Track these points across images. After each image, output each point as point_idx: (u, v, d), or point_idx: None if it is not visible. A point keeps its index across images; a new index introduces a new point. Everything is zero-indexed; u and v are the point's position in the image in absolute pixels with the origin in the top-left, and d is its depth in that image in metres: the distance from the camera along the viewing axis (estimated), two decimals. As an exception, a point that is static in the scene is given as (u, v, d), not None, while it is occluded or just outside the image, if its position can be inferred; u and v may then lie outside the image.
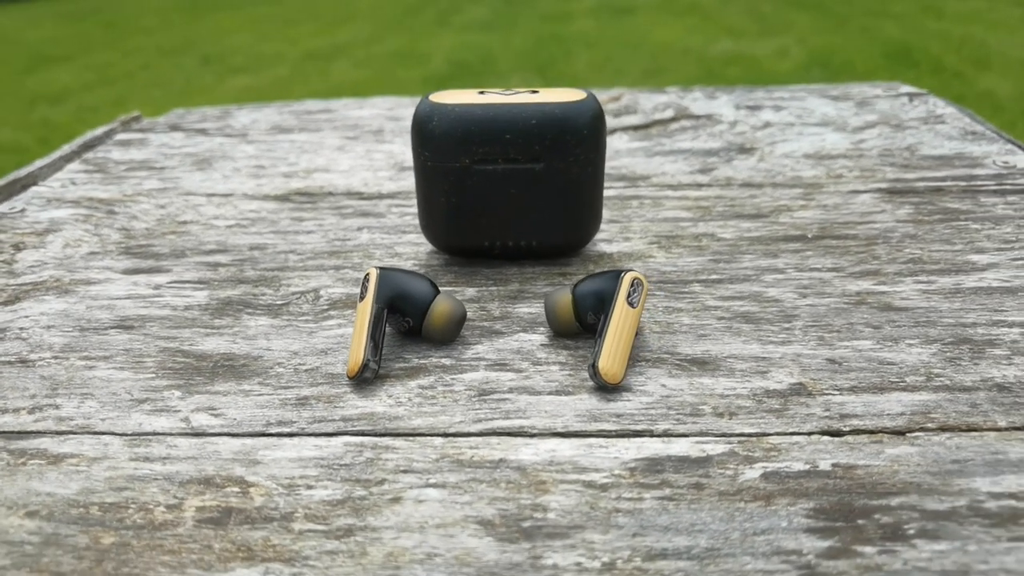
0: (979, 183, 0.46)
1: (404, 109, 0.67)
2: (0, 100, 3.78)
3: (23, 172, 0.56)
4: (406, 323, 0.32)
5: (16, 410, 0.29)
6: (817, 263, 0.38)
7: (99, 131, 0.65)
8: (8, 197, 0.52)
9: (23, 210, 0.49)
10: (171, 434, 0.28)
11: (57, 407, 0.30)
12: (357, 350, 0.30)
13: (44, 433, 0.28)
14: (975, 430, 0.26)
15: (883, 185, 0.46)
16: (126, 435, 0.28)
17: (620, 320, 0.30)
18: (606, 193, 0.47)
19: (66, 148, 0.61)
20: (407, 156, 0.56)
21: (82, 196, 0.51)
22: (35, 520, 0.24)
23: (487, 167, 0.36)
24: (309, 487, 0.25)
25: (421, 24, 4.71)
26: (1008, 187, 0.45)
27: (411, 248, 0.42)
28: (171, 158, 0.57)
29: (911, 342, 0.31)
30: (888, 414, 0.27)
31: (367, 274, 0.32)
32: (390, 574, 0.22)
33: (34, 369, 0.32)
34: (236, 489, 0.25)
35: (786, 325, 0.33)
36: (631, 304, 0.30)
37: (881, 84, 0.65)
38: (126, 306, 0.37)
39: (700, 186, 0.47)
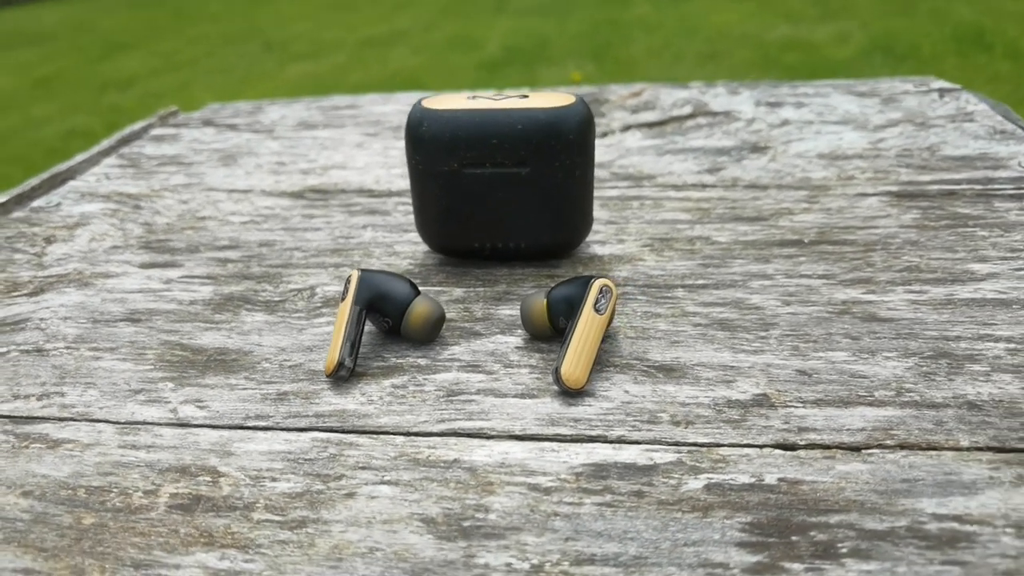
0: (996, 187, 0.44)
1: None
2: (74, 87, 3.96)
3: (64, 166, 0.59)
4: (386, 323, 0.33)
5: (27, 396, 0.32)
6: (808, 269, 0.37)
7: (138, 126, 0.68)
8: (48, 191, 0.56)
9: (59, 204, 0.52)
10: (159, 424, 0.30)
11: (63, 395, 0.32)
12: (334, 350, 0.31)
13: (48, 419, 0.30)
14: (934, 449, 0.26)
15: (893, 188, 0.45)
16: (119, 423, 0.30)
17: (586, 326, 0.30)
18: (608, 193, 0.47)
19: (105, 143, 0.64)
20: (422, 153, 0.57)
21: (113, 191, 0.54)
22: (29, 500, 0.26)
23: (475, 171, 0.37)
24: (274, 479, 0.26)
25: (477, 10, 4.71)
26: (1026, 191, 0.43)
27: (410, 247, 0.43)
28: (200, 153, 0.60)
29: (888, 355, 0.31)
30: (848, 429, 0.27)
31: (350, 275, 0.34)
32: (332, 566, 0.23)
33: (47, 358, 0.35)
34: (208, 478, 0.27)
35: (762, 334, 0.33)
36: (598, 311, 0.31)
37: (914, 79, 0.63)
38: (137, 300, 0.39)
39: (704, 187, 0.47)
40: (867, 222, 0.41)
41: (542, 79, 2.99)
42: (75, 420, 0.30)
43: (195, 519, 0.25)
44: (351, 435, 0.28)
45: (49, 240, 0.47)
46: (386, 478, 0.26)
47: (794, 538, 0.23)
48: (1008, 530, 0.22)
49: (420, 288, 0.38)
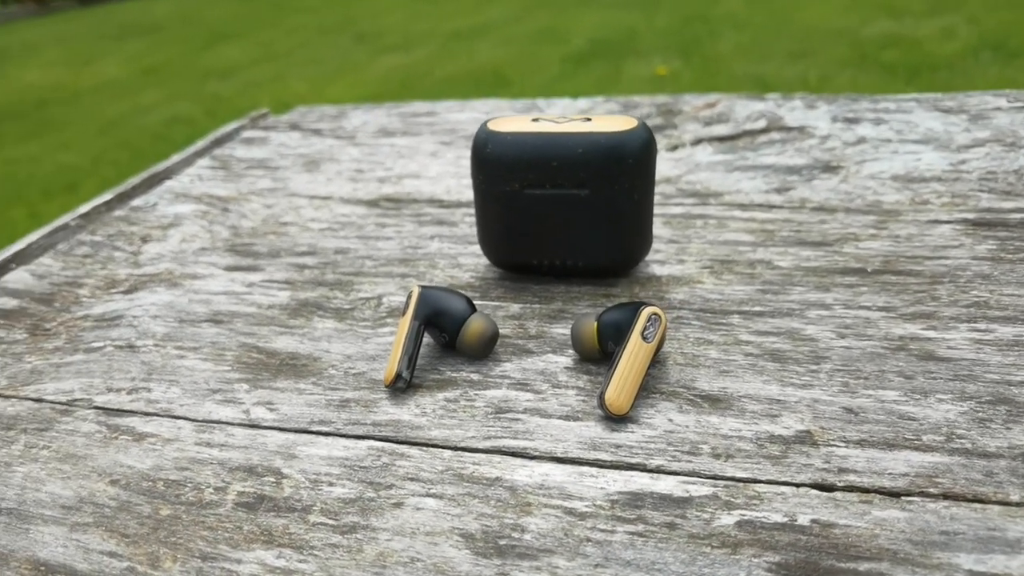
0: (1086, 218, 0.42)
1: (502, 113, 0.69)
2: (179, 75, 4.19)
3: (162, 167, 0.64)
4: (443, 337, 0.35)
5: (118, 390, 0.35)
6: (868, 301, 0.37)
7: (230, 127, 0.72)
8: (147, 190, 0.60)
9: (155, 204, 0.56)
10: (232, 423, 0.32)
11: (149, 390, 0.35)
12: (392, 362, 0.33)
13: (135, 413, 0.34)
14: (980, 501, 0.25)
15: (970, 215, 0.43)
16: (196, 421, 0.33)
17: (632, 354, 0.31)
18: (672, 210, 0.48)
19: (200, 144, 0.69)
20: (492, 163, 0.58)
21: (204, 192, 0.58)
22: (116, 488, 0.29)
23: (536, 191, 0.38)
24: (331, 484, 0.29)
25: (566, 2, 4.70)
26: (1119, 225, 0.41)
27: (472, 260, 0.44)
28: (285, 158, 0.64)
29: (942, 397, 0.30)
30: (890, 473, 0.27)
31: (411, 291, 0.35)
32: (376, 572, 0.25)
33: (138, 354, 0.38)
34: (272, 479, 0.29)
35: (813, 367, 0.32)
36: (645, 339, 0.31)
37: (1008, 93, 0.60)
38: (220, 301, 0.42)
39: (771, 207, 0.47)
40: (937, 251, 0.40)
41: (627, 73, 2.96)
42: (159, 416, 0.33)
43: (258, 517, 0.27)
44: (404, 446, 0.30)
45: (145, 239, 0.51)
46: (432, 491, 0.28)
47: (821, 582, 0.23)
48: (1048, 593, 0.22)
49: (478, 303, 0.40)
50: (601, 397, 0.30)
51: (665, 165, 0.54)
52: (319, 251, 0.47)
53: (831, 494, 0.26)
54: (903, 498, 0.26)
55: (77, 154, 3.15)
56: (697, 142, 0.57)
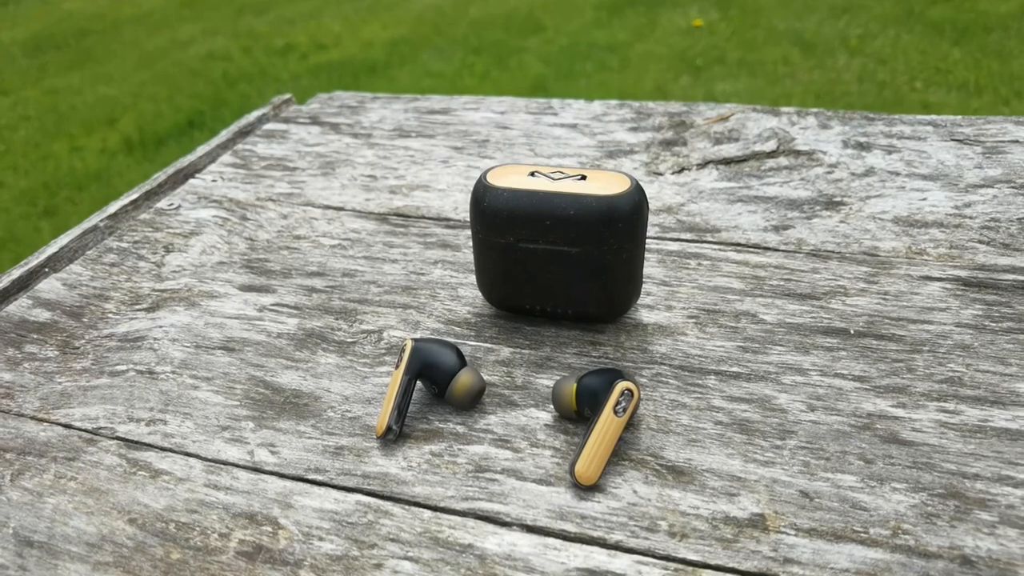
0: (1077, 283, 0.42)
1: (516, 115, 0.70)
2: (215, 7, 4.16)
3: (186, 161, 0.66)
4: (434, 389, 0.37)
5: (138, 420, 0.39)
6: (845, 368, 0.38)
7: (253, 116, 0.74)
8: (172, 187, 0.63)
9: (178, 207, 0.59)
10: (238, 465, 0.35)
11: (165, 423, 0.38)
12: (384, 415, 0.36)
13: (152, 447, 0.37)
14: (907, 602, 0.27)
15: (963, 272, 0.44)
16: (206, 460, 0.36)
17: (603, 427, 0.33)
18: (669, 247, 0.49)
19: (224, 135, 0.71)
20: (502, 176, 0.59)
21: (224, 195, 0.60)
22: (133, 527, 0.33)
23: (530, 245, 0.40)
24: (320, 539, 0.32)
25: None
26: (1109, 294, 0.41)
27: (471, 292, 0.46)
28: (303, 157, 0.65)
29: (897, 486, 0.32)
30: (832, 567, 0.29)
31: (404, 344, 0.38)
32: (354, 635, 0.28)
33: (156, 382, 0.41)
34: (269, 529, 0.32)
35: (778, 442, 0.34)
36: (616, 413, 0.33)
37: (1031, 122, 0.59)
38: (234, 327, 0.45)
39: (766, 249, 0.47)
40: (922, 314, 0.41)
41: (662, 23, 2.87)
42: (173, 452, 0.37)
43: (255, 568, 0.31)
44: (388, 502, 0.33)
45: (168, 248, 0.53)
46: (409, 554, 0.31)
47: (747, 677, 0.25)
48: None
49: (472, 343, 0.42)
50: (572, 467, 0.33)
51: (668, 191, 0.55)
52: (328, 272, 0.49)
53: (771, 585, 0.28)
54: (836, 595, 0.28)
55: (117, 87, 3.18)
56: (704, 164, 0.58)
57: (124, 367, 0.42)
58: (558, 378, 0.39)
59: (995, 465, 0.32)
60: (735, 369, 0.39)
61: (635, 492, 0.33)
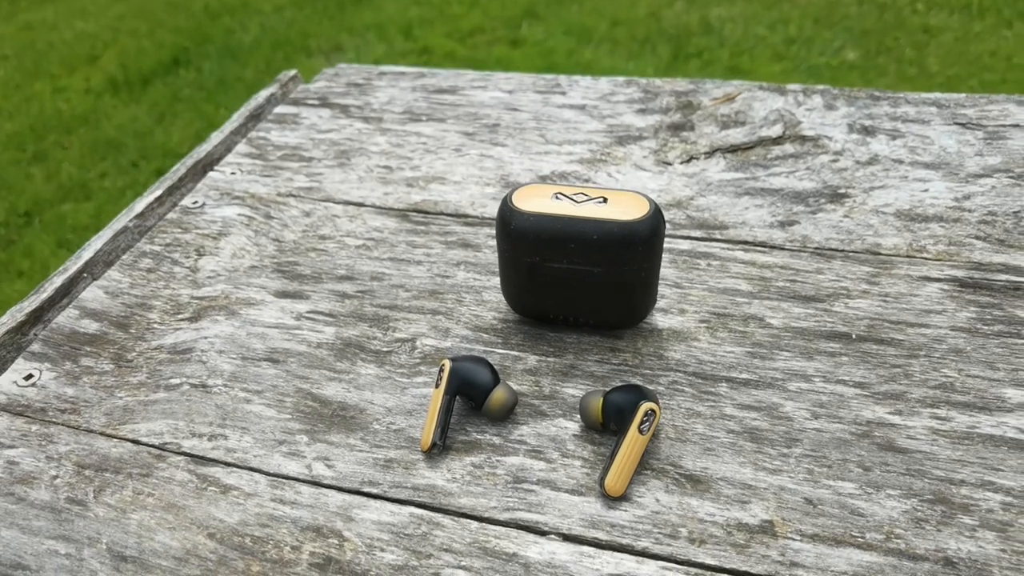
0: (1063, 282, 0.45)
1: (524, 95, 0.71)
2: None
3: (202, 152, 0.67)
4: (471, 404, 0.41)
5: (200, 435, 0.42)
6: (846, 374, 0.41)
7: (262, 97, 0.74)
8: (193, 180, 0.64)
9: (203, 205, 0.61)
10: (298, 480, 0.39)
11: (226, 437, 0.42)
12: (428, 432, 0.39)
13: (218, 462, 0.41)
14: (897, 601, 0.32)
15: (959, 273, 0.47)
16: (269, 475, 0.40)
17: (630, 445, 0.37)
18: (680, 245, 0.51)
19: (235, 119, 0.71)
20: (514, 166, 0.61)
21: (245, 190, 0.62)
22: (213, 541, 0.37)
23: (554, 265, 0.42)
24: (382, 550, 0.36)
25: None
26: (1091, 293, 0.44)
27: (494, 296, 0.49)
28: (318, 145, 0.66)
29: (892, 492, 0.36)
30: (832, 571, 0.33)
31: (442, 364, 0.41)
32: (420, 641, 0.32)
33: (211, 396, 0.44)
34: (335, 541, 0.36)
35: (785, 450, 0.38)
36: (641, 431, 0.37)
37: (1030, 102, 0.60)
38: (275, 336, 0.48)
39: (772, 248, 0.50)
40: (920, 317, 0.44)
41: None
42: (238, 467, 0.40)
43: (326, 579, 0.35)
44: (439, 514, 0.37)
45: (200, 252, 0.56)
46: (462, 563, 0.35)
47: (760, 673, 0.30)
48: None
49: (499, 350, 0.45)
50: (602, 481, 0.36)
51: (678, 183, 0.57)
52: (357, 275, 0.52)
53: (780, 588, 0.33)
54: (836, 596, 0.32)
55: (95, 21, 3.08)
56: (711, 153, 0.59)
57: (178, 380, 0.46)
58: (583, 389, 0.42)
59: (979, 471, 0.36)
60: (745, 376, 0.42)
61: (658, 501, 0.37)
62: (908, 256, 0.48)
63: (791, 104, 0.64)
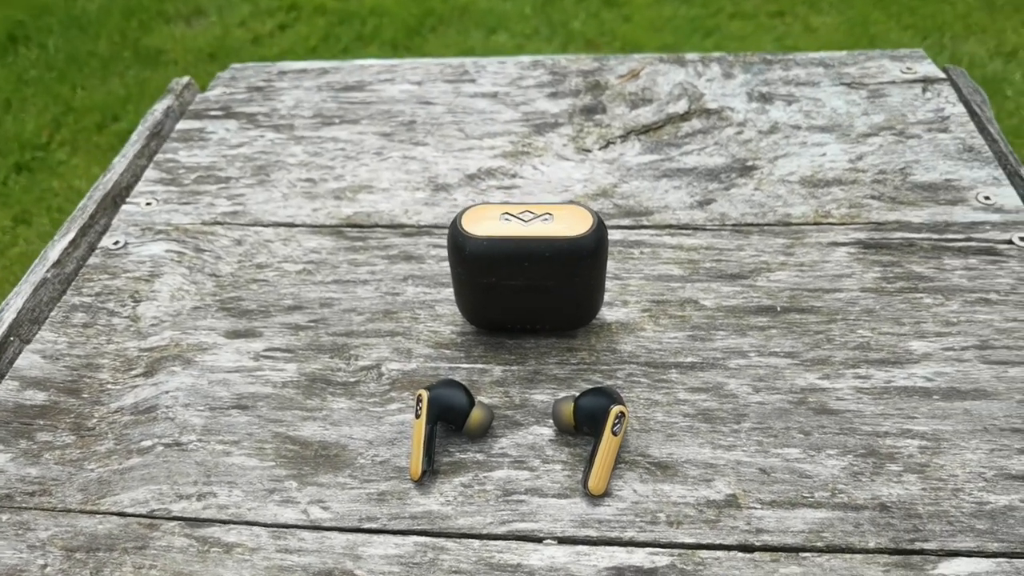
0: (950, 236, 0.52)
1: (433, 85, 0.70)
2: None
3: (108, 181, 0.64)
4: (451, 427, 0.43)
5: (188, 496, 0.43)
6: (777, 346, 0.47)
7: (158, 111, 0.71)
8: (106, 216, 0.61)
9: (125, 244, 0.58)
10: (299, 527, 0.41)
11: (215, 495, 0.43)
12: (416, 462, 0.42)
13: (213, 521, 0.41)
14: (850, 551, 0.37)
15: (862, 235, 0.52)
16: (268, 526, 0.41)
17: (605, 447, 0.40)
18: (614, 236, 0.54)
19: (135, 140, 0.68)
20: (439, 167, 0.62)
21: (166, 222, 0.60)
22: (226, 602, 0.38)
23: (510, 283, 0.45)
24: (394, 582, 0.38)
25: None
26: (974, 244, 0.51)
27: (448, 309, 0.51)
28: (232, 163, 0.65)
29: (830, 452, 0.41)
30: (791, 531, 0.38)
31: (419, 395, 0.43)
32: (450, 661, 0.35)
33: (188, 453, 0.45)
34: (347, 581, 0.39)
35: (735, 426, 0.43)
36: (614, 433, 0.41)
37: (905, 57, 0.66)
38: (237, 381, 0.48)
39: (695, 230, 0.54)
40: (834, 282, 0.50)
41: None
42: (235, 523, 0.41)
43: (348, 619, 0.37)
44: (441, 538, 0.40)
45: (135, 298, 0.54)
46: (473, 582, 0.38)
47: (746, 633, 0.35)
48: (882, 625, 0.35)
49: (463, 364, 0.47)
50: (585, 484, 0.40)
51: (600, 172, 0.60)
52: (305, 303, 0.52)
53: (751, 555, 0.38)
54: (800, 554, 0.38)
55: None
56: (626, 136, 0.62)
57: (149, 442, 0.45)
58: (550, 393, 0.46)
59: (898, 421, 0.42)
60: (690, 359, 0.47)
61: (635, 491, 0.41)
62: (816, 223, 0.54)
63: (692, 76, 0.67)
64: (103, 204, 0.62)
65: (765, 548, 0.38)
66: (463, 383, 0.45)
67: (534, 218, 0.44)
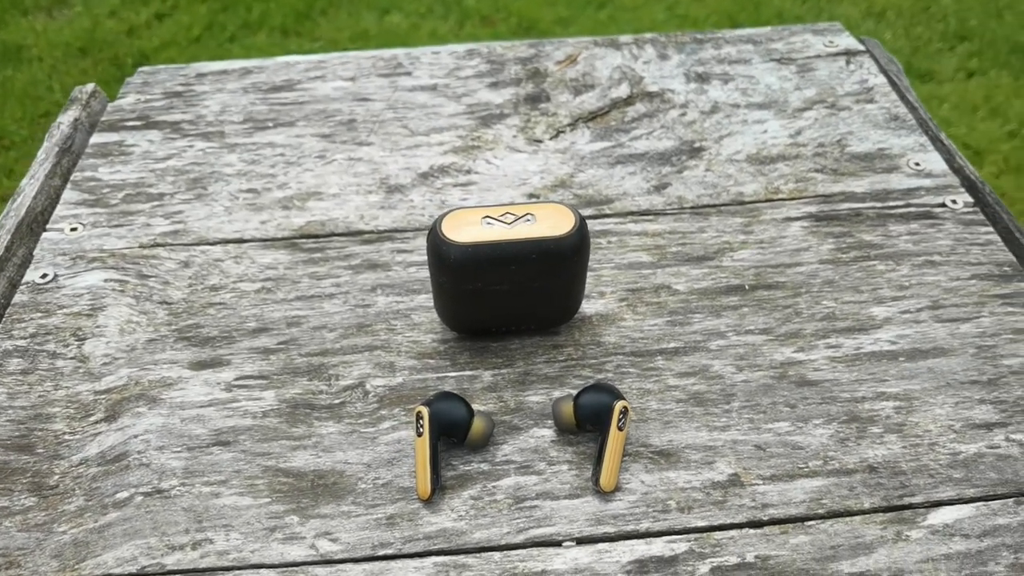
0: (891, 204, 0.55)
1: (368, 80, 0.68)
2: None
3: (21, 207, 0.58)
4: (452, 441, 0.43)
5: (182, 547, 0.40)
6: (751, 323, 0.48)
7: (65, 125, 0.65)
8: (24, 245, 0.56)
9: (55, 277, 0.53)
10: (308, 563, 0.39)
11: (211, 541, 0.40)
12: (424, 481, 0.41)
13: (215, 570, 0.39)
14: (848, 514, 0.40)
15: (812, 208, 0.55)
16: (276, 567, 0.39)
17: (613, 443, 0.41)
18: (579, 226, 0.55)
19: (44, 159, 0.62)
20: (389, 167, 0.60)
21: (99, 249, 0.55)
22: (244, 652, 0.37)
23: (495, 287, 0.44)
24: (420, 606, 0.38)
25: None
26: (913, 209, 0.55)
27: (424, 316, 0.50)
28: (162, 177, 0.60)
29: (817, 422, 0.44)
30: (794, 502, 0.40)
31: (418, 412, 0.42)
32: (491, 678, 0.35)
33: (172, 500, 0.42)
34: (371, 612, 0.38)
35: (726, 407, 0.44)
36: (620, 428, 0.41)
37: (826, 31, 0.69)
38: (213, 417, 0.45)
39: (656, 215, 0.55)
40: (793, 256, 0.52)
41: None
42: (240, 568, 0.39)
43: (379, 651, 0.36)
44: (460, 555, 0.39)
45: (79, 336, 0.50)
46: (500, 595, 0.38)
47: (769, 606, 0.37)
48: (888, 580, 0.37)
49: (451, 373, 0.47)
50: (596, 481, 0.41)
51: (554, 162, 0.60)
52: (270, 325, 0.50)
53: (762, 530, 0.40)
54: (805, 523, 0.40)
55: None
56: (574, 124, 0.62)
57: (126, 493, 0.42)
58: (543, 393, 0.46)
59: (872, 385, 0.45)
60: (673, 345, 0.48)
61: (643, 483, 0.42)
62: (768, 200, 0.56)
63: (629, 59, 0.68)
64: (19, 233, 0.57)
65: (773, 521, 0.40)
66: (460, 394, 0.44)
67: (516, 220, 0.44)
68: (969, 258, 0.51)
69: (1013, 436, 0.43)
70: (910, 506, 0.40)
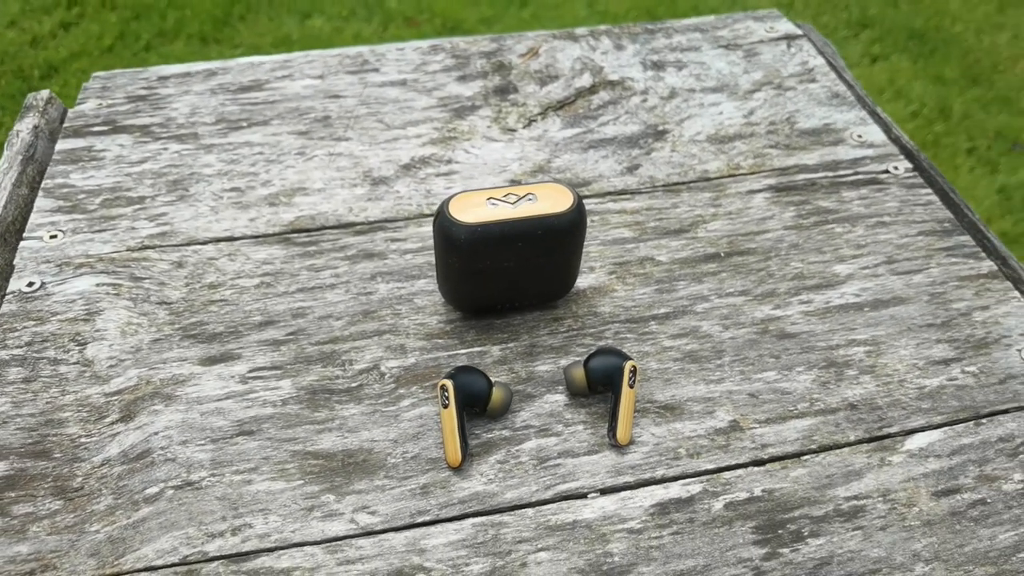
0: (841, 172, 0.61)
1: (337, 78, 0.69)
2: None
3: (-6, 219, 0.56)
4: (475, 411, 0.45)
5: (221, 533, 0.41)
6: (730, 286, 0.53)
7: (25, 131, 0.63)
8: (3, 256, 0.54)
9: (42, 285, 0.52)
10: (351, 536, 0.41)
11: (251, 526, 0.41)
12: (454, 449, 0.43)
13: (259, 552, 0.40)
14: (837, 447, 0.45)
15: (772, 181, 0.60)
16: (319, 543, 0.41)
17: (626, 399, 0.44)
18: (563, 207, 0.58)
19: (6, 167, 0.60)
20: (371, 160, 0.61)
21: (85, 254, 0.54)
22: (301, 625, 0.38)
23: (502, 265, 0.47)
24: (467, 564, 0.40)
25: None
26: (861, 176, 0.60)
27: (427, 300, 0.52)
28: (140, 182, 0.60)
29: (799, 369, 0.48)
30: (788, 441, 0.45)
31: (443, 385, 0.44)
32: (541, 620, 0.38)
33: (204, 491, 0.43)
34: (423, 575, 0.40)
35: (718, 362, 0.49)
36: (631, 386, 0.45)
37: (765, 17, 0.75)
38: (233, 409, 0.46)
39: (632, 194, 0.59)
40: (760, 225, 0.57)
41: None
42: (283, 548, 0.40)
43: (431, 608, 0.38)
44: (496, 515, 0.42)
45: (79, 341, 0.49)
46: (539, 546, 0.40)
47: (779, 532, 0.41)
48: (879, 499, 0.42)
49: (460, 350, 0.49)
50: (613, 436, 0.44)
51: (531, 149, 0.63)
52: (276, 318, 0.51)
53: (764, 467, 0.44)
54: (801, 458, 0.44)
55: None
56: (544, 113, 0.65)
57: (155, 488, 0.43)
58: (551, 362, 0.49)
59: (843, 334, 0.50)
60: (664, 310, 0.52)
61: (653, 435, 0.45)
62: (731, 176, 0.61)
63: (587, 50, 0.72)
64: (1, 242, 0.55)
65: (773, 459, 0.44)
66: (478, 367, 0.47)
67: (519, 200, 0.46)
68: (914, 217, 0.57)
69: (967, 368, 0.48)
70: (889, 435, 0.45)
